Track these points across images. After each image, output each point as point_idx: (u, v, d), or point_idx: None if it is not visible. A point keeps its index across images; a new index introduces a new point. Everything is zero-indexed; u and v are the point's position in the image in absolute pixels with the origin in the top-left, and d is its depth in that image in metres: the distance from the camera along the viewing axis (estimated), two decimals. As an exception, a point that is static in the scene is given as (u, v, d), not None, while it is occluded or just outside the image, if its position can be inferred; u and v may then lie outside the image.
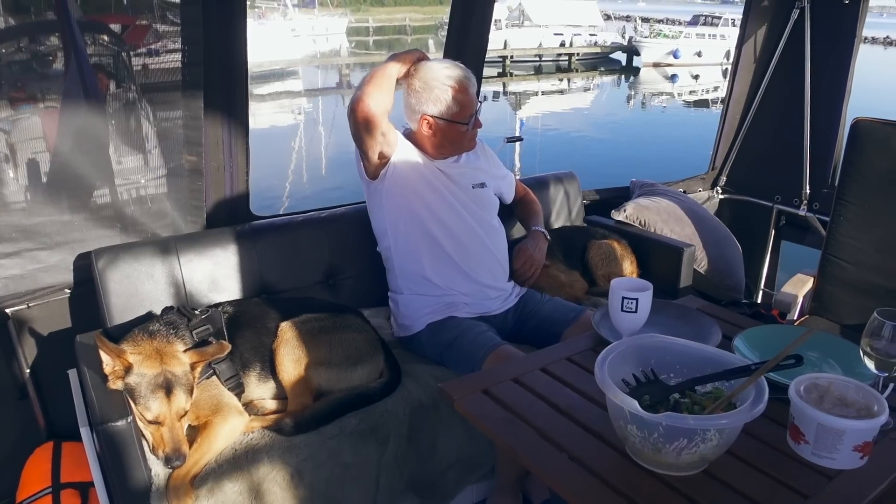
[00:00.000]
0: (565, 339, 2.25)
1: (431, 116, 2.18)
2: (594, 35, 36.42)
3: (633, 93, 30.27)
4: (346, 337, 2.01)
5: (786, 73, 3.43)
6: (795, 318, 2.61)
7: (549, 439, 1.33)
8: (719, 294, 3.05)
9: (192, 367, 1.75)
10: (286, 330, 1.97)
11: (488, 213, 2.37)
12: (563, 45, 34.54)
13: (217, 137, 2.24)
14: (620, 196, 3.46)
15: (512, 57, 31.71)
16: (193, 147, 2.19)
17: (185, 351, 1.78)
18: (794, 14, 3.32)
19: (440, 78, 2.16)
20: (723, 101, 3.71)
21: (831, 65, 3.26)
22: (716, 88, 30.30)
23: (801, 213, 3.43)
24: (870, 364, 1.44)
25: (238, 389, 1.89)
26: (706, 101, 27.48)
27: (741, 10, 3.58)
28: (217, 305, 2.03)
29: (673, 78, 32.45)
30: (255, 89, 24.16)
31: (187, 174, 2.24)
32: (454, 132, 2.20)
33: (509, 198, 2.61)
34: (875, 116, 2.66)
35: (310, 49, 28.50)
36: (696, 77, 32.58)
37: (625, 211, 3.05)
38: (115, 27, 2.39)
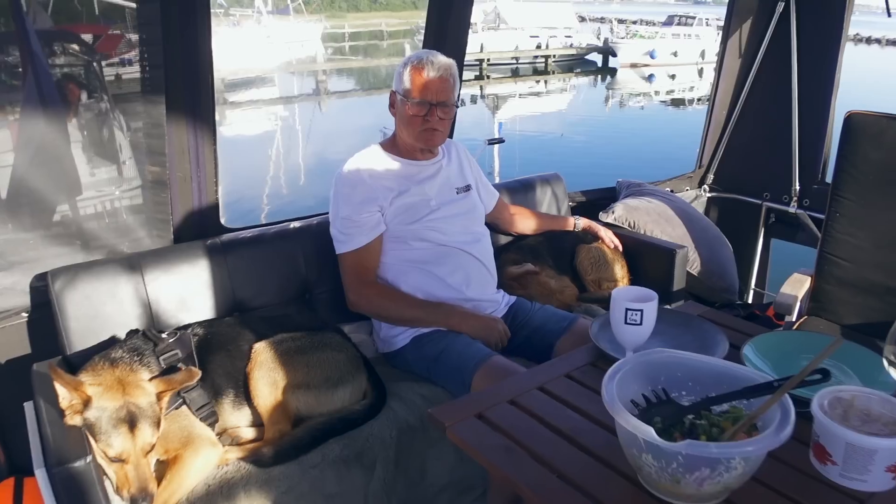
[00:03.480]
0: (558, 349, 2.15)
1: (394, 91, 2.13)
2: (570, 37, 36.44)
3: (610, 93, 30.36)
4: (325, 357, 1.87)
5: (772, 68, 3.35)
6: (794, 319, 2.50)
7: (552, 468, 1.20)
8: (712, 296, 2.94)
9: (159, 397, 1.60)
10: (261, 351, 1.83)
11: (473, 219, 2.26)
12: (539, 47, 34.57)
13: (182, 146, 2.09)
14: (607, 197, 3.35)
15: (489, 60, 31.69)
16: (156, 157, 2.04)
17: (150, 379, 1.64)
18: (780, 7, 3.23)
19: (412, 57, 2.10)
20: (707, 99, 3.61)
21: (819, 58, 3.17)
22: (692, 88, 30.53)
23: (792, 210, 3.34)
24: (895, 374, 1.33)
25: (211, 419, 1.75)
26: (683, 100, 27.65)
27: (714, 10, 3.50)
28: (186, 327, 1.89)
29: (650, 78, 32.61)
30: (231, 97, 23.97)
31: (151, 186, 2.09)
32: (405, 111, 2.09)
33: (490, 206, 2.50)
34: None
35: (285, 56, 28.27)
36: (672, 77, 32.77)
37: (613, 212, 2.94)
38: (87, 37, 2.29)
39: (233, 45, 24.65)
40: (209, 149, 2.16)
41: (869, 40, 46.26)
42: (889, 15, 2.84)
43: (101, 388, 1.55)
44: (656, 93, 29.80)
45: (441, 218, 2.14)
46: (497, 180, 2.67)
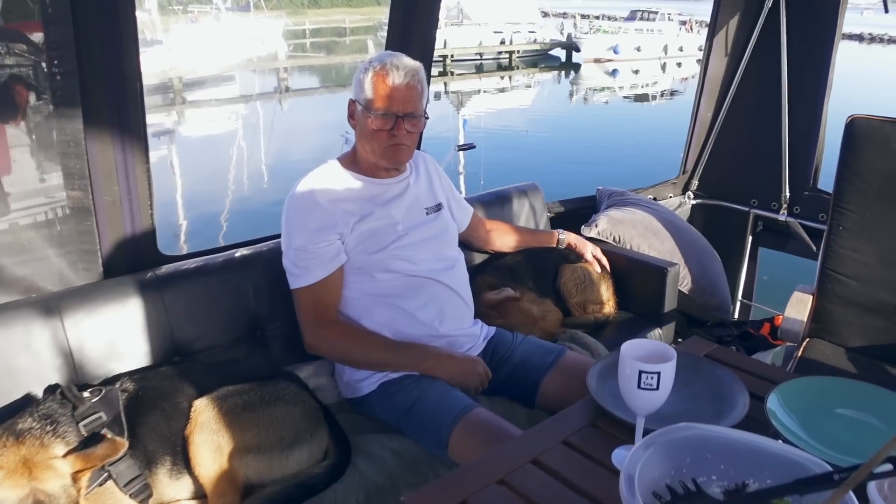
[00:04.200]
0: (544, 388, 1.93)
1: (353, 101, 1.85)
2: (533, 32, 36.41)
3: (575, 88, 30.39)
4: (277, 412, 1.60)
5: (761, 66, 3.14)
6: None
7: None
8: (704, 315, 2.73)
9: (76, 477, 1.33)
10: (202, 410, 1.55)
11: (445, 242, 2.00)
12: (503, 42, 34.46)
13: (108, 166, 1.80)
14: (587, 207, 3.12)
15: (452, 56, 31.50)
16: (76, 180, 1.74)
17: (66, 455, 1.36)
18: (768, 1, 3.03)
19: (374, 59, 1.81)
20: (695, 98, 3.39)
21: (810, 55, 2.98)
22: (655, 83, 30.72)
23: (781, 218, 3.15)
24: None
25: (144, 493, 1.47)
26: (646, 95, 27.76)
27: (677, 4, 3.28)
28: (115, 380, 1.60)
29: (614, 73, 32.75)
30: (189, 96, 23.43)
31: (71, 213, 1.79)
32: (367, 125, 1.80)
33: (463, 224, 2.24)
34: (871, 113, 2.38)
35: (245, 53, 27.69)
36: (636, 72, 32.96)
37: (596, 226, 2.71)
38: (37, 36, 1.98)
39: (191, 43, 24.11)
40: (141, 168, 1.87)
41: (851, 36, 46.01)
42: (886, 11, 2.65)
43: (1, 472, 1.27)
44: (620, 88, 29.93)
45: (410, 244, 1.88)
46: (463, 190, 2.38)
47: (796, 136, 3.05)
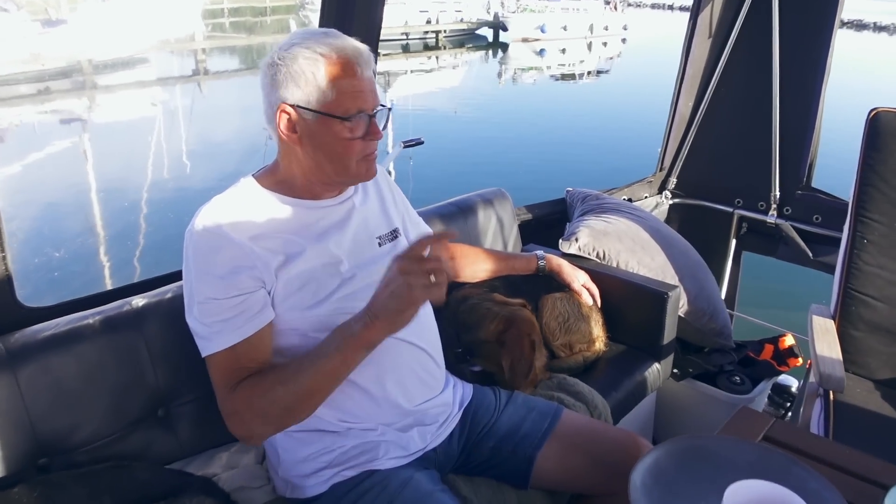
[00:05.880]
0: (540, 463, 1.52)
1: (292, 105, 1.29)
2: (460, 11, 35.84)
3: (503, 68, 30.13)
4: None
5: (749, 50, 2.76)
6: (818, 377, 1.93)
7: None
8: (702, 340, 2.35)
9: None
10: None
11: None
12: (429, 22, 33.81)
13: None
14: (557, 212, 2.70)
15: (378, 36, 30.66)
16: None
17: None
18: None
19: (310, 44, 1.27)
20: (674, 86, 2.98)
21: (806, 38, 2.61)
22: (581, 62, 30.74)
23: (770, 220, 2.80)
24: None
25: None
26: (573, 74, 27.72)
27: None
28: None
29: (541, 52, 32.65)
30: (101, 80, 22.09)
31: None
32: (329, 135, 1.29)
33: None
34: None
35: (161, 34, 26.27)
36: (563, 51, 32.95)
37: (577, 240, 2.28)
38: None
39: (100, 23, 22.64)
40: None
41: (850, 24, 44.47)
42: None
43: None
44: (548, 67, 29.84)
45: (359, 290, 1.38)
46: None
47: (788, 128, 2.69)
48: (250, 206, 1.35)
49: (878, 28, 46.47)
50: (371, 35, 1.83)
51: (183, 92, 22.15)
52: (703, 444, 1.14)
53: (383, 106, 1.35)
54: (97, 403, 1.42)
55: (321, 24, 1.82)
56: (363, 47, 1.32)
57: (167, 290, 1.57)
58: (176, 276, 1.64)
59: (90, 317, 1.47)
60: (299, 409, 1.28)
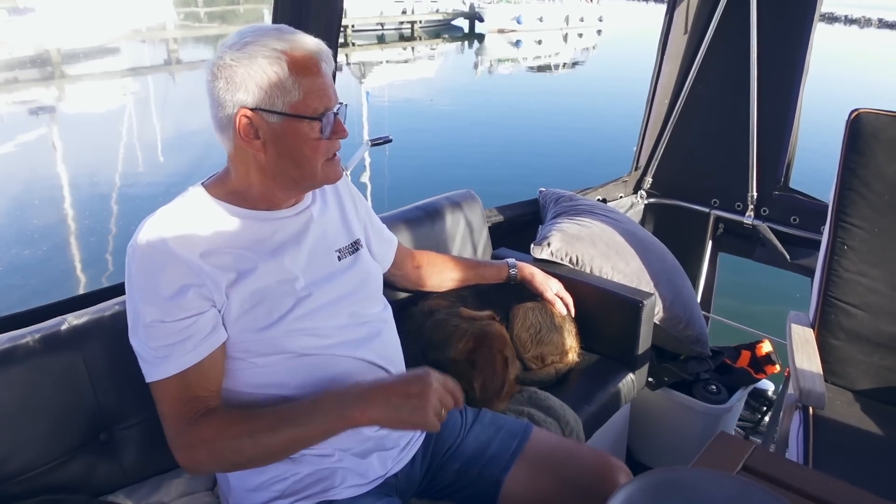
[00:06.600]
0: (508, 486, 1.43)
1: (253, 109, 1.18)
2: (435, 2, 35.67)
3: (479, 60, 30.05)
4: None
5: (727, 46, 2.69)
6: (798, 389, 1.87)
7: None
8: (678, 347, 2.29)
9: None
10: None
11: (368, 298, 1.42)
12: (404, 12, 33.62)
13: None
14: (529, 213, 2.62)
15: (353, 26, 30.49)
16: None
17: None
18: None
19: (267, 41, 1.17)
20: (650, 84, 2.90)
21: (785, 34, 2.55)
22: (557, 53, 30.73)
23: (748, 221, 2.74)
24: None
25: None
26: (549, 65, 27.70)
27: None
28: None
29: (517, 44, 32.63)
30: (69, 69, 21.71)
31: None
32: (296, 137, 1.20)
33: (387, 261, 1.67)
34: (878, 108, 1.98)
35: (132, 23, 25.79)
36: (539, 42, 32.94)
37: (548, 245, 2.20)
38: None
39: (69, 11, 22.18)
40: None
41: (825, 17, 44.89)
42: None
43: None
44: (524, 59, 29.81)
45: (316, 309, 1.29)
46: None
47: (766, 127, 2.63)
48: (199, 218, 1.24)
49: (849, 21, 46.95)
50: (330, 30, 1.73)
51: (155, 82, 21.80)
52: (678, 478, 1.07)
53: (342, 103, 1.26)
54: (32, 429, 1.32)
55: (275, 20, 1.71)
56: (322, 43, 1.22)
57: (109, 306, 1.46)
58: (117, 290, 1.54)
59: (24, 336, 1.36)
60: (260, 462, 1.23)
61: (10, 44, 20.45)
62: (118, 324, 1.39)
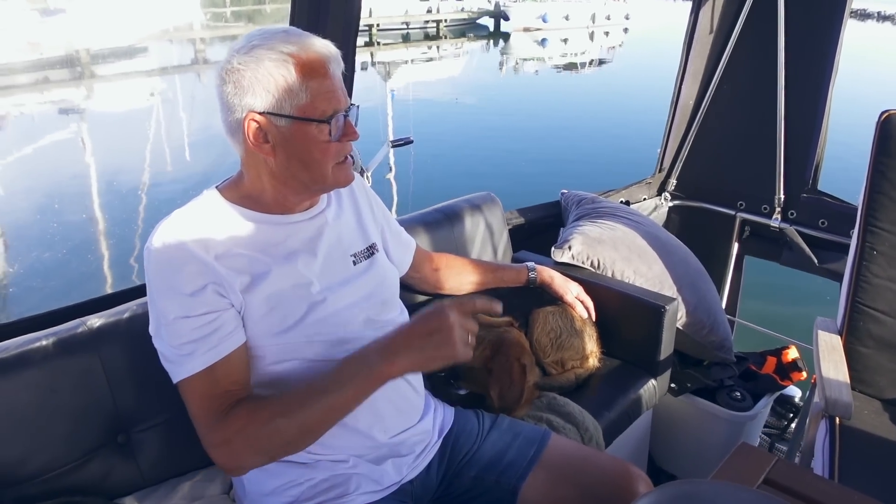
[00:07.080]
0: (526, 494, 1.41)
1: (262, 113, 1.18)
2: (461, 0, 35.62)
3: (505, 58, 29.97)
4: None
5: (753, 44, 2.64)
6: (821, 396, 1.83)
7: None
8: (701, 353, 2.25)
9: None
10: None
11: (384, 303, 1.41)
12: (429, 11, 33.66)
13: None
14: (551, 216, 2.59)
15: (378, 25, 30.56)
16: None
17: None
18: None
19: (274, 44, 1.16)
20: (675, 84, 2.86)
21: (813, 32, 2.49)
22: (584, 52, 30.54)
23: (774, 224, 2.69)
24: None
25: None
26: (575, 64, 27.53)
27: None
28: None
29: (543, 42, 32.49)
30: (99, 69, 21.99)
31: None
32: (305, 140, 1.19)
33: (404, 265, 1.66)
34: None
35: (160, 23, 26.08)
36: (565, 41, 32.77)
37: (569, 248, 2.17)
38: None
39: (98, 11, 22.48)
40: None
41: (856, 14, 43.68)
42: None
43: None
44: (550, 58, 29.67)
45: (331, 314, 1.28)
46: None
47: (794, 128, 2.58)
48: (213, 221, 1.24)
49: (882, 17, 45.78)
50: (348, 31, 1.71)
51: (182, 81, 22.03)
52: (696, 492, 1.04)
53: (353, 104, 1.25)
54: (51, 431, 1.33)
55: (292, 23, 1.70)
56: (331, 45, 1.21)
57: (126, 308, 1.47)
58: (135, 292, 1.54)
59: (43, 338, 1.37)
60: (300, 443, 1.19)
61: (42, 44, 20.78)
62: (136, 326, 1.41)
